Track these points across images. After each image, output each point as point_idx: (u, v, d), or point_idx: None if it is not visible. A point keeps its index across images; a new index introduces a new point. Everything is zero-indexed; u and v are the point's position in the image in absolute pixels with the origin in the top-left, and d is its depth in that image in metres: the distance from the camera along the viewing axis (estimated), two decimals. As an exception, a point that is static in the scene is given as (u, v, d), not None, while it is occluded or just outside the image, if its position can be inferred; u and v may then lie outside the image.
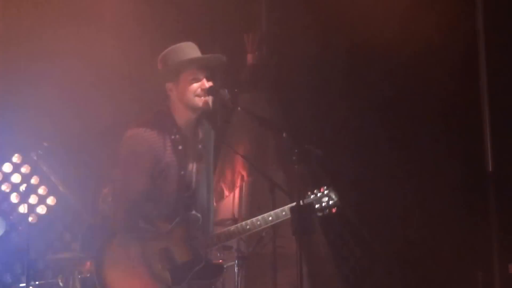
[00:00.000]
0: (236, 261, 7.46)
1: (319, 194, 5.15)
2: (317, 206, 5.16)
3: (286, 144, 5.08)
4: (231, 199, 8.37)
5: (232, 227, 5.21)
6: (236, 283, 7.46)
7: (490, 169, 8.72)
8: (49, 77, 8.43)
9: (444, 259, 8.62)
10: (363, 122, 9.05)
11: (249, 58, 8.73)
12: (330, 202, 5.19)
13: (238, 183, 8.30)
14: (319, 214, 5.21)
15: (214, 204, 8.41)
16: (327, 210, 5.17)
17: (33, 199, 8.57)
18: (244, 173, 8.25)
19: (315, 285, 8.32)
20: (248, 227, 5.21)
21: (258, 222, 5.26)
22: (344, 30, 8.97)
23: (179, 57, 5.11)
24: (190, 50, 5.16)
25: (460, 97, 8.97)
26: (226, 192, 8.43)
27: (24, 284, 7.61)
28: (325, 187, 5.21)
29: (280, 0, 9.16)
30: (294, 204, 5.14)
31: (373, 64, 8.97)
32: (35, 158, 7.71)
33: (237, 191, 8.31)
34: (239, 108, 5.28)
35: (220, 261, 7.26)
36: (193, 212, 5.14)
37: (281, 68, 8.98)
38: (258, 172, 7.49)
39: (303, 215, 4.97)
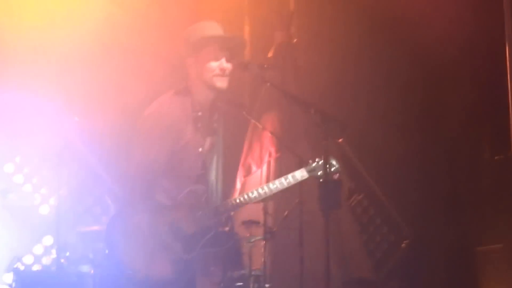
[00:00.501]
0: (263, 236, 7.45)
1: (320, 162, 5.09)
2: (319, 173, 5.11)
3: (314, 120, 5.04)
4: (258, 175, 8.36)
5: (238, 197, 5.20)
6: (263, 257, 7.46)
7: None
8: (79, 54, 8.45)
9: (469, 239, 8.54)
10: (389, 102, 8.99)
11: (277, 36, 8.69)
12: (332, 169, 5.10)
13: (266, 159, 8.27)
14: (321, 180, 5.12)
15: (241, 179, 8.46)
16: (329, 176, 5.09)
17: (64, 173, 8.59)
18: (272, 149, 8.22)
19: (341, 261, 8.30)
20: (253, 195, 5.16)
21: (263, 191, 5.23)
22: (370, 9, 8.90)
23: (201, 34, 5.07)
24: (213, 28, 5.13)
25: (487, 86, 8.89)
26: (254, 168, 8.41)
27: (55, 256, 7.66)
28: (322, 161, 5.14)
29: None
30: (299, 171, 5.12)
31: (399, 44, 8.89)
32: (66, 130, 7.73)
33: (265, 166, 8.29)
34: (268, 84, 5.23)
35: (248, 234, 7.25)
36: (201, 185, 5.11)
37: (308, 46, 8.92)
38: (286, 148, 7.45)
39: (330, 191, 4.95)
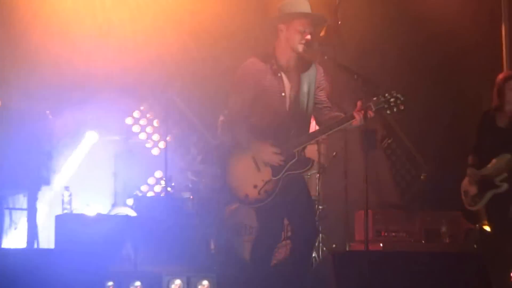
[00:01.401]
0: (318, 171, 7.44)
1: (388, 96, 4.94)
2: (385, 106, 4.93)
3: (357, 84, 4.99)
4: (313, 126, 8.32)
5: (314, 131, 5.13)
6: (317, 187, 7.46)
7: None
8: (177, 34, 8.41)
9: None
10: (411, 67, 8.81)
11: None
12: (398, 101, 4.93)
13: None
14: (388, 112, 4.94)
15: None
16: (395, 108, 4.94)
17: (170, 124, 8.66)
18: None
19: (376, 189, 8.27)
20: (328, 127, 5.06)
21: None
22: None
23: (295, 9, 5.02)
24: (305, 6, 5.07)
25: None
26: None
27: (163, 186, 7.75)
28: (392, 91, 4.97)
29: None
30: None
31: (421, 23, 8.69)
32: (171, 94, 7.76)
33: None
34: (325, 57, 5.16)
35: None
36: (289, 122, 5.04)
37: (351, 27, 8.77)
38: (334, 104, 7.36)
39: (369, 138, 4.89)
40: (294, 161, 4.96)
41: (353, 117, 4.92)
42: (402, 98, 4.90)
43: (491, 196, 6.19)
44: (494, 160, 6.22)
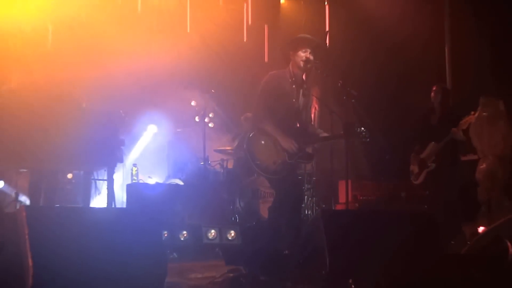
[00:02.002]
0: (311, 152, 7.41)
1: (360, 130, 4.98)
2: (361, 135, 5.02)
3: (340, 89, 4.99)
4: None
5: (319, 136, 5.15)
6: (311, 164, 7.46)
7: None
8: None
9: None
10: (380, 79, 8.75)
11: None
12: (367, 135, 5.03)
13: (313, 111, 8.18)
14: (362, 140, 5.04)
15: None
16: (364, 139, 5.02)
17: (207, 119, 8.67)
18: (316, 106, 8.12)
19: (353, 165, 8.23)
20: (330, 137, 5.21)
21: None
22: (370, 31, 8.66)
23: (298, 37, 5.06)
24: (306, 36, 5.07)
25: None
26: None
27: (202, 163, 7.77)
28: (363, 128, 5.05)
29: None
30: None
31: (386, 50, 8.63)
32: (207, 97, 7.77)
33: (312, 116, 8.19)
34: (319, 71, 5.15)
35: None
36: (298, 124, 5.08)
37: (336, 48, 8.71)
38: (324, 105, 7.33)
39: (349, 128, 4.89)
40: (303, 153, 5.01)
41: (342, 136, 5.06)
42: (368, 134, 5.01)
43: (426, 174, 6.51)
44: (427, 147, 6.58)
